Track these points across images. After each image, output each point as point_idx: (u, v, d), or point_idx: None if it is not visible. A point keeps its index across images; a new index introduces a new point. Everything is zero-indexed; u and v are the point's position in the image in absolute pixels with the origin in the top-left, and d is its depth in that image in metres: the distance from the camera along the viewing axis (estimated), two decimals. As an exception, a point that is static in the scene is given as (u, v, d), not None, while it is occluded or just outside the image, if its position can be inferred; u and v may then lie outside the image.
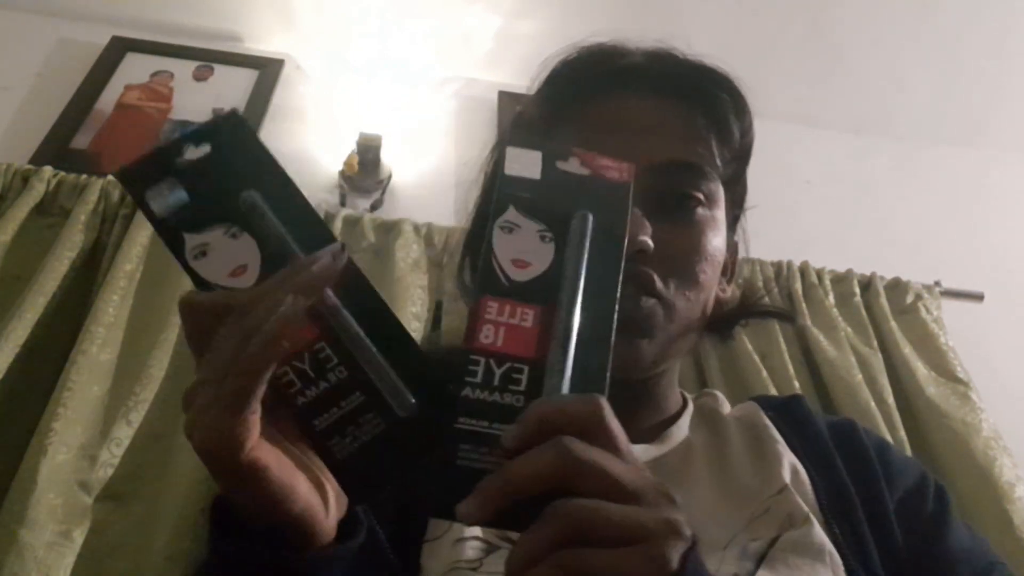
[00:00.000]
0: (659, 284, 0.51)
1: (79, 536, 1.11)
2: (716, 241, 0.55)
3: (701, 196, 0.54)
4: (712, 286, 0.56)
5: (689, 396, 0.63)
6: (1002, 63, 1.97)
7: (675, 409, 0.60)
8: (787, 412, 0.59)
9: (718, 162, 0.56)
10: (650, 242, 0.50)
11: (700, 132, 0.56)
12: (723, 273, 0.60)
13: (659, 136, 0.54)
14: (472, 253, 0.65)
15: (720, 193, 0.57)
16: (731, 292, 0.62)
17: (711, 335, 0.62)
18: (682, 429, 0.57)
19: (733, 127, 0.58)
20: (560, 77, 0.59)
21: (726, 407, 0.61)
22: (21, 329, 1.23)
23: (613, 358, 0.51)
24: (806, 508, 0.49)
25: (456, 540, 0.46)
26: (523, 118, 0.62)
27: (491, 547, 0.46)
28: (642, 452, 0.53)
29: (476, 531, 0.47)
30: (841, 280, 1.71)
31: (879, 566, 0.47)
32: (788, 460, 0.53)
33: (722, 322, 0.62)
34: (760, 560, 0.45)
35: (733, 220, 0.62)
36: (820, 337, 1.56)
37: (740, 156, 0.60)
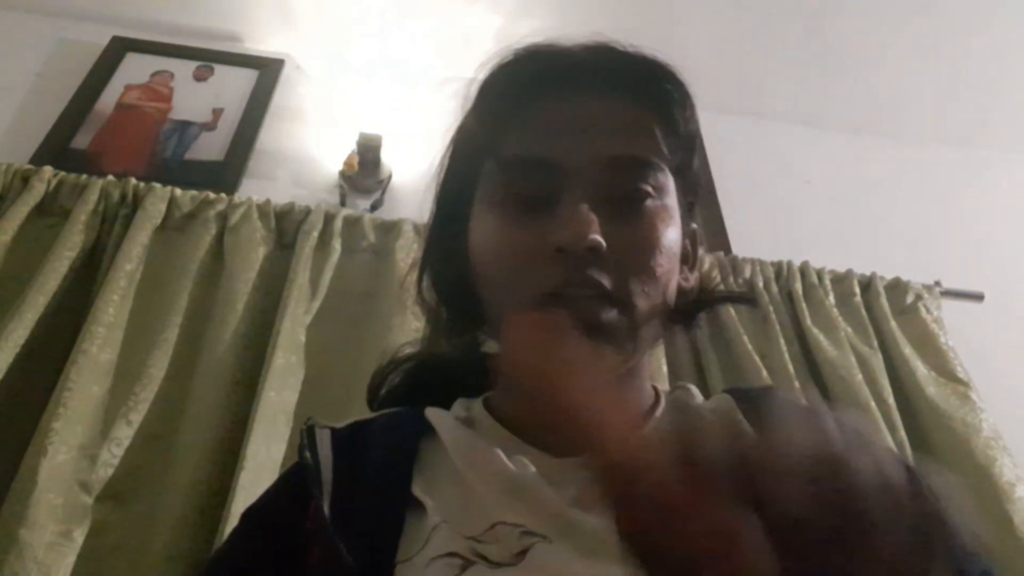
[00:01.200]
0: (613, 286, 0.51)
1: (79, 536, 1.12)
2: (670, 232, 0.54)
3: (650, 188, 0.54)
4: (671, 277, 0.55)
5: (662, 390, 0.62)
6: (1002, 63, 1.97)
7: (647, 405, 0.59)
8: (760, 403, 0.58)
9: (665, 152, 0.56)
10: (601, 240, 0.49)
11: (643, 124, 0.55)
12: (684, 262, 0.60)
13: (602, 133, 0.54)
14: (433, 260, 0.64)
15: (670, 183, 0.56)
16: (694, 280, 0.62)
17: (675, 326, 0.61)
18: (656, 428, 0.56)
19: (676, 116, 0.57)
20: (496, 84, 0.58)
21: (698, 399, 0.60)
22: (21, 329, 1.23)
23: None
24: None
25: (430, 559, 0.46)
26: (464, 131, 0.62)
27: (467, 563, 0.45)
28: None
29: (450, 547, 0.46)
30: (841, 280, 1.71)
31: None
32: None
33: (684, 313, 0.61)
34: None
35: (689, 207, 0.61)
36: (820, 337, 1.56)
37: (686, 143, 0.59)
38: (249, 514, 0.57)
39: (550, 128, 0.55)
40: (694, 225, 0.63)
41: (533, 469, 0.51)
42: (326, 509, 0.49)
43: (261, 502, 0.58)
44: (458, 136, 0.63)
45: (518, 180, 0.54)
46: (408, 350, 0.69)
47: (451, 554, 0.46)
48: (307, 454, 0.53)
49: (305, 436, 0.54)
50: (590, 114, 0.55)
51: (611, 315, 0.50)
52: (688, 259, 0.61)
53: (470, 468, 0.52)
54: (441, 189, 0.64)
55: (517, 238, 0.53)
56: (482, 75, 0.59)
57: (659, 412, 0.58)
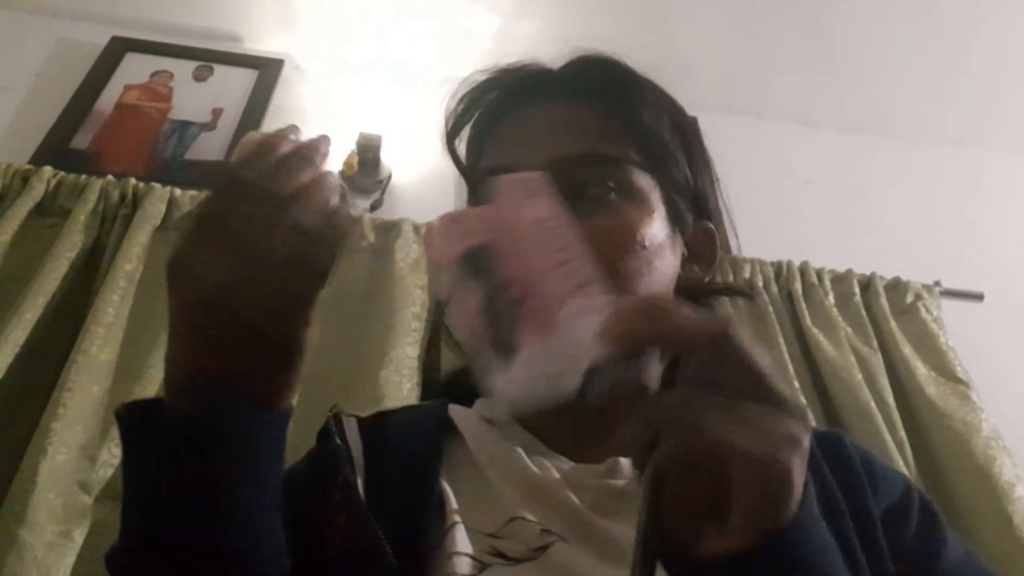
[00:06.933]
0: None
1: (79, 536, 1.11)
2: (643, 227, 0.54)
3: (612, 184, 0.54)
4: (654, 273, 0.54)
5: None
6: (1002, 63, 1.97)
7: None
8: None
9: (631, 151, 0.56)
10: None
11: (604, 125, 0.56)
12: (694, 260, 0.60)
13: (555, 136, 0.56)
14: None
15: (641, 180, 0.56)
16: (701, 276, 0.61)
17: None
18: None
19: (641, 116, 0.57)
20: (468, 104, 0.62)
21: None
22: (21, 329, 1.23)
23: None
24: None
25: (451, 553, 0.46)
26: (451, 137, 0.66)
27: (483, 565, 0.46)
28: (626, 466, 0.52)
29: (468, 547, 0.46)
30: (841, 280, 1.71)
31: (868, 574, 0.47)
32: None
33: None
34: None
35: (692, 205, 0.61)
36: (820, 337, 1.56)
37: (656, 142, 0.58)
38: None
39: (515, 137, 0.57)
40: (709, 224, 0.62)
41: (555, 472, 0.52)
42: (361, 490, 0.49)
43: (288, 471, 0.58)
44: (448, 147, 0.67)
45: (487, 189, 0.57)
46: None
47: (468, 555, 0.46)
48: (336, 440, 0.53)
49: (332, 423, 0.54)
50: (551, 119, 0.57)
51: None
52: (699, 259, 0.61)
53: (491, 466, 0.52)
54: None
55: None
56: (455, 100, 0.63)
57: None
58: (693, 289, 0.61)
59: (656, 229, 0.55)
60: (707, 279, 0.62)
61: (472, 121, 0.62)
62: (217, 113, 1.80)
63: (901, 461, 1.38)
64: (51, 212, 1.45)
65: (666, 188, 0.58)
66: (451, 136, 0.63)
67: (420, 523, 0.48)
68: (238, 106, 1.81)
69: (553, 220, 0.39)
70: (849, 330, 1.61)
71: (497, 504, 0.49)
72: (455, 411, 0.58)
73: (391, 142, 1.73)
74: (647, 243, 0.54)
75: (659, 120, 0.59)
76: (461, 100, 0.62)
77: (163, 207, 1.47)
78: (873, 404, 1.45)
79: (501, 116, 0.59)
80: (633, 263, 0.53)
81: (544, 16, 1.87)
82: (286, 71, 1.92)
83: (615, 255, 0.52)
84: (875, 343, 1.60)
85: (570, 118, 0.57)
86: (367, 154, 1.71)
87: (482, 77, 0.61)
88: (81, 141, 1.68)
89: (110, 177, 1.51)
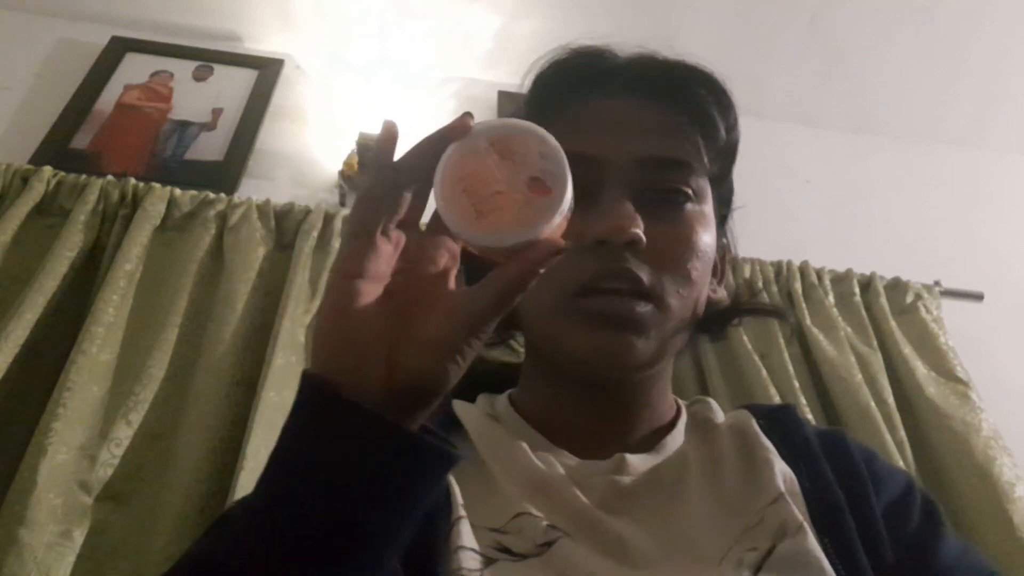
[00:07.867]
0: (649, 281, 0.51)
1: (79, 536, 1.12)
2: (707, 237, 0.55)
3: (690, 191, 0.55)
4: (704, 283, 0.56)
5: (683, 403, 0.62)
6: (1002, 63, 1.97)
7: (669, 417, 0.59)
8: (777, 420, 0.59)
9: (705, 159, 0.56)
10: (642, 234, 0.50)
11: (685, 129, 0.56)
12: (713, 274, 0.60)
13: (644, 133, 0.55)
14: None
15: (708, 190, 0.57)
16: (721, 294, 0.62)
17: (703, 335, 0.62)
18: (677, 439, 0.57)
19: (718, 124, 0.58)
20: (545, 79, 0.60)
21: (719, 415, 0.60)
22: (21, 329, 1.23)
23: (607, 355, 0.51)
24: (800, 517, 0.48)
25: (457, 547, 0.46)
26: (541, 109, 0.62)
27: (488, 560, 0.46)
28: (640, 462, 0.53)
29: (473, 542, 0.46)
30: (841, 280, 1.71)
31: (869, 574, 0.47)
32: (779, 468, 0.53)
33: (714, 321, 0.61)
34: (756, 572, 0.45)
35: (721, 220, 0.62)
36: (820, 337, 1.56)
37: (726, 153, 0.60)
38: None
39: (594, 126, 0.55)
40: (724, 240, 0.63)
41: (560, 468, 0.52)
42: None
43: None
44: None
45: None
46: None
47: (474, 549, 0.46)
48: None
49: None
50: (634, 115, 0.56)
51: (646, 309, 0.51)
52: (716, 272, 0.62)
53: (496, 462, 0.52)
54: None
55: None
56: (533, 73, 0.60)
57: (679, 426, 0.59)
58: (730, 308, 0.62)
59: (712, 240, 0.57)
60: (722, 296, 0.62)
61: (540, 92, 0.60)
62: (217, 113, 1.80)
63: (901, 461, 1.38)
64: (51, 212, 1.45)
65: (716, 199, 0.59)
66: (542, 108, 0.59)
67: (426, 517, 0.48)
68: (238, 106, 1.81)
69: None
70: (849, 330, 1.61)
71: (502, 500, 0.49)
72: (459, 406, 0.58)
73: (391, 142, 1.73)
74: (708, 252, 0.56)
75: (729, 130, 0.59)
76: (546, 71, 0.60)
77: (163, 207, 1.47)
78: (873, 404, 1.45)
79: (579, 98, 0.57)
80: (698, 271, 0.54)
81: (544, 16, 1.87)
82: (286, 71, 1.92)
83: (685, 261, 0.53)
84: (875, 343, 1.60)
85: (655, 117, 0.56)
86: (367, 154, 1.70)
87: (563, 53, 0.60)
88: (81, 141, 1.68)
89: (110, 177, 1.51)
